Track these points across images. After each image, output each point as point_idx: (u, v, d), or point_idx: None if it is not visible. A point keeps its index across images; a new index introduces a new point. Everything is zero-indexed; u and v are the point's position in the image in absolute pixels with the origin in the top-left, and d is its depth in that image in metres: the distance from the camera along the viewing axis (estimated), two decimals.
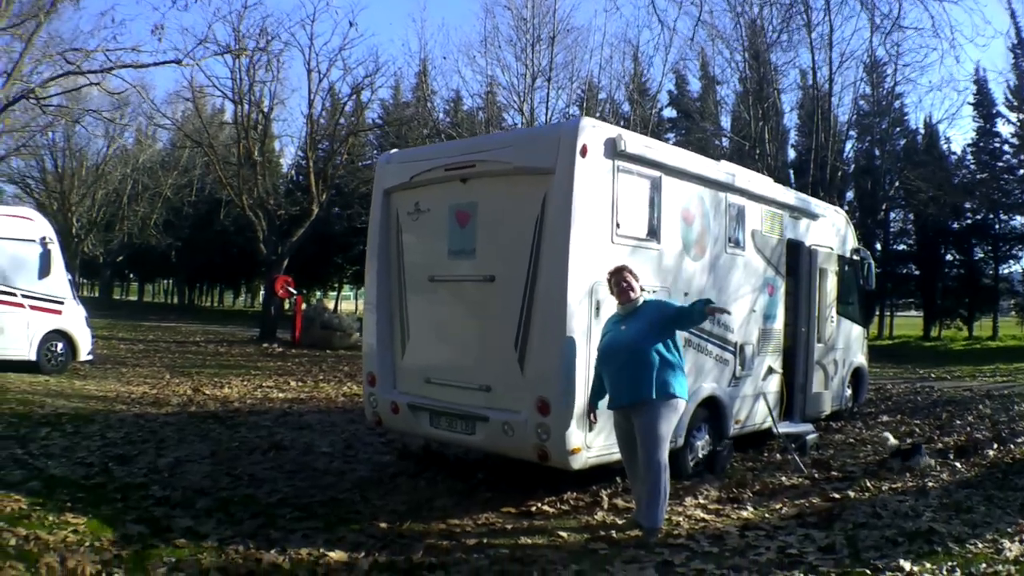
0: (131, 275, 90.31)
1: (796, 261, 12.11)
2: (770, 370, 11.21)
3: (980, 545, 6.87)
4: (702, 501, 8.48)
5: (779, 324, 11.49)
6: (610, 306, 7.69)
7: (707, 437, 9.79)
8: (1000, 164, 42.21)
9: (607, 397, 7.47)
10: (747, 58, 34.41)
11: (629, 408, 7.23)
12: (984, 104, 43.10)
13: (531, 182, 8.15)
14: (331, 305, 54.13)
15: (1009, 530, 7.27)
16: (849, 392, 14.63)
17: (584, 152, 7.82)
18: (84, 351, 18.80)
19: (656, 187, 8.81)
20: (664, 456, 7.14)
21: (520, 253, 8.13)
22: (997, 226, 43.28)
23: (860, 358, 15.19)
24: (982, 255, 44.55)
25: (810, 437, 11.41)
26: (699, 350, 9.53)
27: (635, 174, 8.51)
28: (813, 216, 12.62)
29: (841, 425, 13.73)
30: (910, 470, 9.50)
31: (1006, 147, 42.45)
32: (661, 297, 8.42)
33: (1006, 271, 44.95)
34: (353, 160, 42.37)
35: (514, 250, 8.20)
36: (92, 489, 8.32)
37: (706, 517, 7.89)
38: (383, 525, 7.39)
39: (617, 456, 7.78)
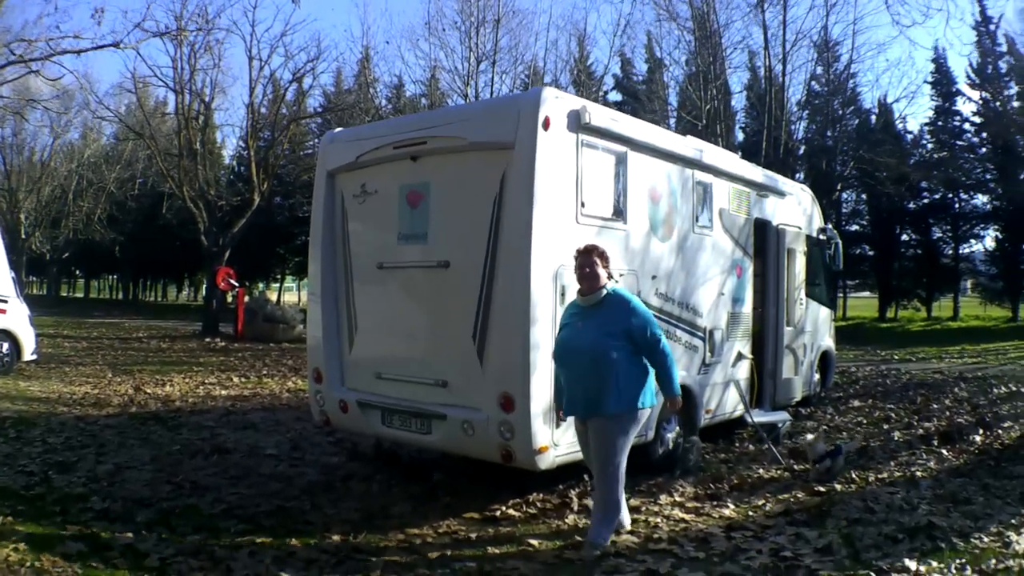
0: (77, 272, 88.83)
1: (763, 241, 11.60)
2: (740, 356, 10.74)
3: (986, 539, 6.43)
4: (678, 499, 7.96)
5: (748, 308, 11.03)
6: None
7: (678, 428, 9.26)
8: (960, 143, 41.98)
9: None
10: (697, 37, 34.11)
11: (585, 419, 6.55)
12: (943, 83, 42.72)
13: (489, 159, 7.51)
14: (274, 297, 53.39)
15: (1013, 522, 6.85)
16: (817, 376, 14.16)
17: (547, 125, 7.21)
18: (29, 351, 17.90)
19: (622, 163, 8.23)
20: (620, 470, 6.44)
21: (477, 236, 7.49)
22: (957, 205, 42.94)
23: (828, 341, 14.77)
24: (940, 235, 44.03)
25: (783, 425, 10.91)
26: (668, 336, 8.89)
27: (600, 149, 7.92)
28: (780, 194, 12.14)
29: (811, 411, 13.34)
30: (831, 473, 8.68)
31: (967, 126, 42.21)
32: (629, 283, 7.87)
33: (967, 251, 44.51)
34: (295, 149, 41.62)
35: (470, 233, 7.57)
36: (32, 500, 7.71)
37: (686, 517, 7.36)
38: (336, 538, 6.74)
39: None
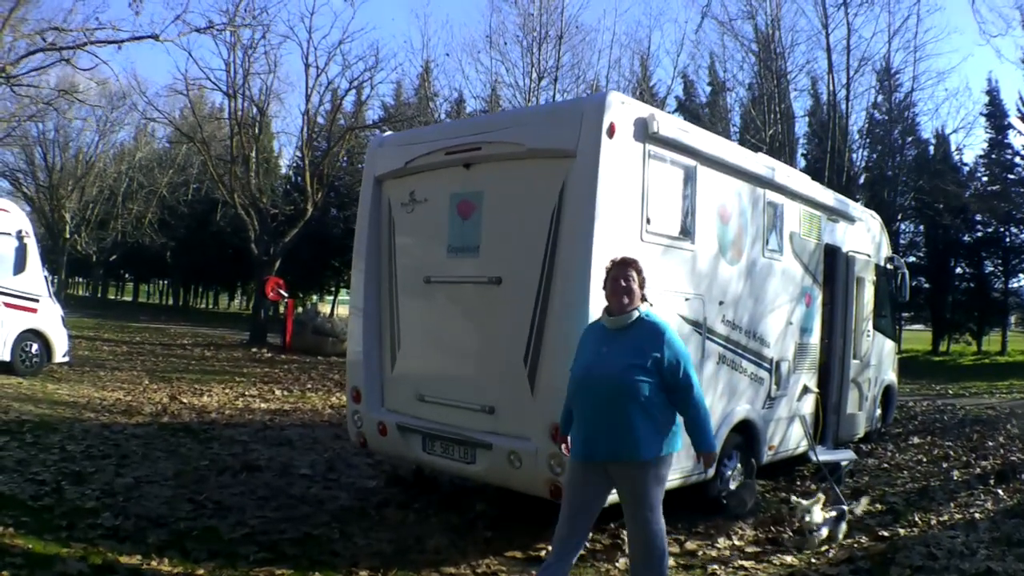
0: (126, 275, 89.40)
1: (832, 268, 10.95)
2: (806, 389, 10.07)
3: None
4: (738, 543, 7.39)
5: (816, 338, 10.35)
6: None
7: (739, 465, 8.63)
8: (1011, 176, 41.16)
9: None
10: (761, 59, 33.62)
11: (604, 464, 5.38)
12: (996, 115, 42.37)
13: (547, 167, 6.98)
14: (326, 310, 53.22)
15: None
16: (879, 412, 13.45)
17: (612, 132, 6.66)
18: (60, 352, 17.56)
19: (691, 178, 7.66)
20: (661, 520, 5.37)
21: (533, 251, 6.95)
22: (1008, 239, 42.50)
23: (891, 375, 14.07)
24: (992, 268, 43.81)
25: (847, 464, 10.25)
26: (733, 367, 8.35)
27: (668, 161, 7.35)
28: (850, 220, 11.51)
29: (871, 448, 12.70)
30: (833, 539, 7.64)
31: (1017, 159, 41.66)
32: (695, 308, 7.30)
33: (1016, 285, 44.35)
34: (352, 160, 41.38)
35: (526, 247, 7.02)
36: (38, 512, 7.29)
37: (746, 564, 6.82)
38: (364, 573, 6.22)
39: None
